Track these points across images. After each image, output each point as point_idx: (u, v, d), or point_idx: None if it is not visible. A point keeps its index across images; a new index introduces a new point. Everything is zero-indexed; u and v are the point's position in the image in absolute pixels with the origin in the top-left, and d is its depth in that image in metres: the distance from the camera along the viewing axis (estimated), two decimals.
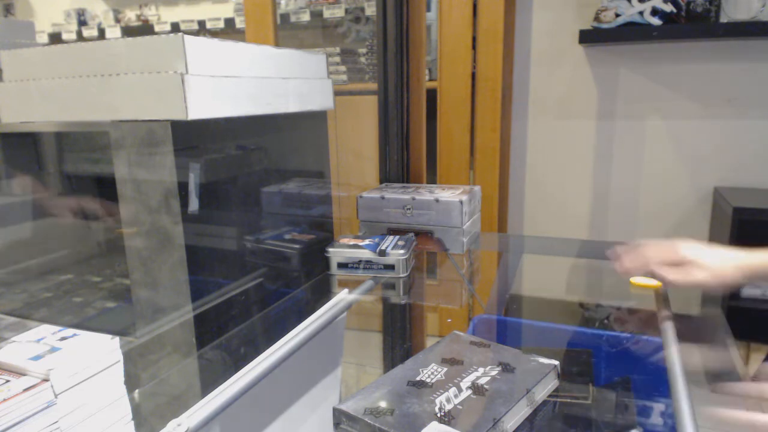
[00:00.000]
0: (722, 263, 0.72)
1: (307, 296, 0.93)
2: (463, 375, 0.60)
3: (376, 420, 0.52)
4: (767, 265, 0.71)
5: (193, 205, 0.69)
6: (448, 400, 0.55)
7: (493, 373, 0.60)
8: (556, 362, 0.62)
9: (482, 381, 0.59)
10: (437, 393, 0.56)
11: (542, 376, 0.60)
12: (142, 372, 0.68)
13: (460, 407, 0.54)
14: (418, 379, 0.59)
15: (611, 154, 1.81)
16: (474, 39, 1.80)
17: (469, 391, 0.57)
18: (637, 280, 0.93)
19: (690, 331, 0.78)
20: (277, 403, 0.53)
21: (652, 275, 0.76)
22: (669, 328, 0.74)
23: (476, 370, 0.61)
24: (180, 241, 0.67)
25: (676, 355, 0.65)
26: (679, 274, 0.73)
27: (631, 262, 0.79)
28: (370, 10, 2.41)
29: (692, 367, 0.66)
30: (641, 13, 1.59)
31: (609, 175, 1.83)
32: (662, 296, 0.84)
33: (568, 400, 0.58)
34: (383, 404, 0.54)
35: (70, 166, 0.89)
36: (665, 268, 0.74)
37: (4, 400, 0.43)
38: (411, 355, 0.64)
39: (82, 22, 3.19)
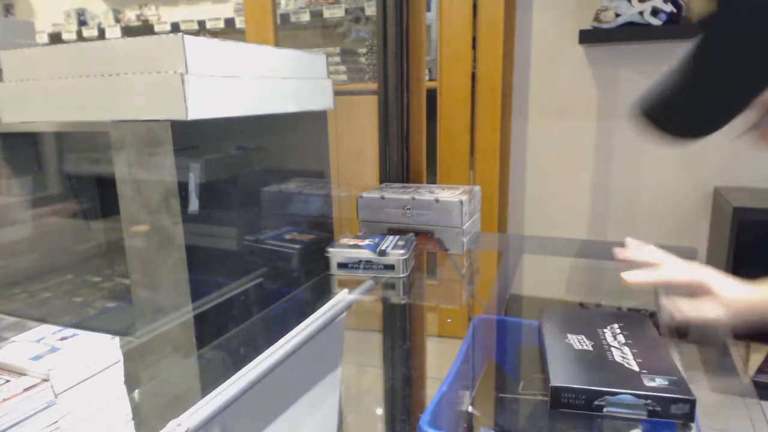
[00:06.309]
0: (740, 298, 0.63)
1: (307, 296, 0.93)
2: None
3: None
4: None
5: (193, 205, 0.69)
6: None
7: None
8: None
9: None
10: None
11: None
12: (142, 372, 0.68)
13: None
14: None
15: (611, 154, 1.81)
16: (474, 39, 1.80)
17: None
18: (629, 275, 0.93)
19: (690, 331, 0.78)
20: (277, 403, 0.53)
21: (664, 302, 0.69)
22: (668, 326, 0.74)
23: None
24: (180, 241, 0.67)
25: (675, 353, 0.65)
26: (691, 308, 0.64)
27: (644, 277, 0.71)
28: (370, 10, 2.41)
29: (692, 366, 0.66)
30: (641, 13, 1.59)
31: (609, 175, 1.83)
32: (662, 294, 0.84)
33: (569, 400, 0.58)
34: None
35: (71, 166, 0.89)
36: (677, 299, 0.66)
37: (4, 400, 0.43)
38: (411, 355, 0.64)
39: (82, 22, 3.19)
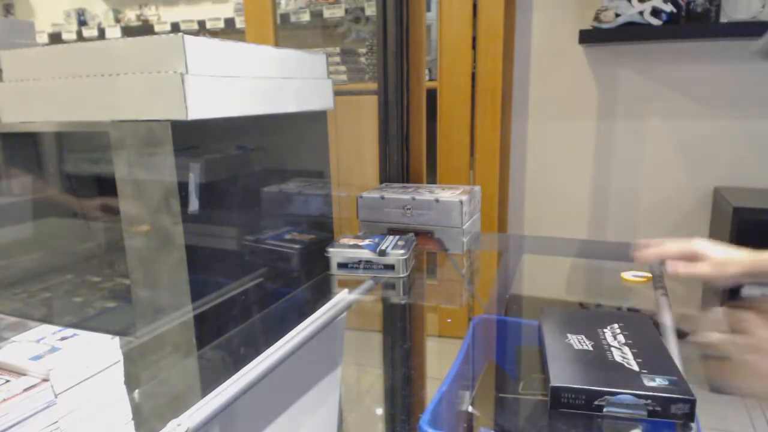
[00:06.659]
0: (726, 257, 0.75)
1: (307, 296, 0.93)
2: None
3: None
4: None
5: (193, 205, 0.69)
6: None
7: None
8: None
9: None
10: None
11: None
12: (142, 372, 0.68)
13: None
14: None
15: (611, 154, 1.81)
16: (474, 39, 1.80)
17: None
18: (627, 275, 0.94)
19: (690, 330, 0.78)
20: (277, 403, 0.53)
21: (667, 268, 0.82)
22: (668, 326, 0.74)
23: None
24: (180, 241, 0.67)
25: (675, 353, 0.65)
26: (684, 266, 0.77)
27: (649, 253, 0.84)
28: (370, 10, 2.41)
29: (692, 366, 0.66)
30: (641, 13, 1.59)
31: (609, 175, 1.83)
32: (662, 294, 0.84)
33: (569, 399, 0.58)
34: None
35: (71, 166, 0.89)
36: (675, 261, 0.79)
37: (4, 400, 0.43)
38: (411, 355, 0.64)
39: (82, 22, 3.20)
